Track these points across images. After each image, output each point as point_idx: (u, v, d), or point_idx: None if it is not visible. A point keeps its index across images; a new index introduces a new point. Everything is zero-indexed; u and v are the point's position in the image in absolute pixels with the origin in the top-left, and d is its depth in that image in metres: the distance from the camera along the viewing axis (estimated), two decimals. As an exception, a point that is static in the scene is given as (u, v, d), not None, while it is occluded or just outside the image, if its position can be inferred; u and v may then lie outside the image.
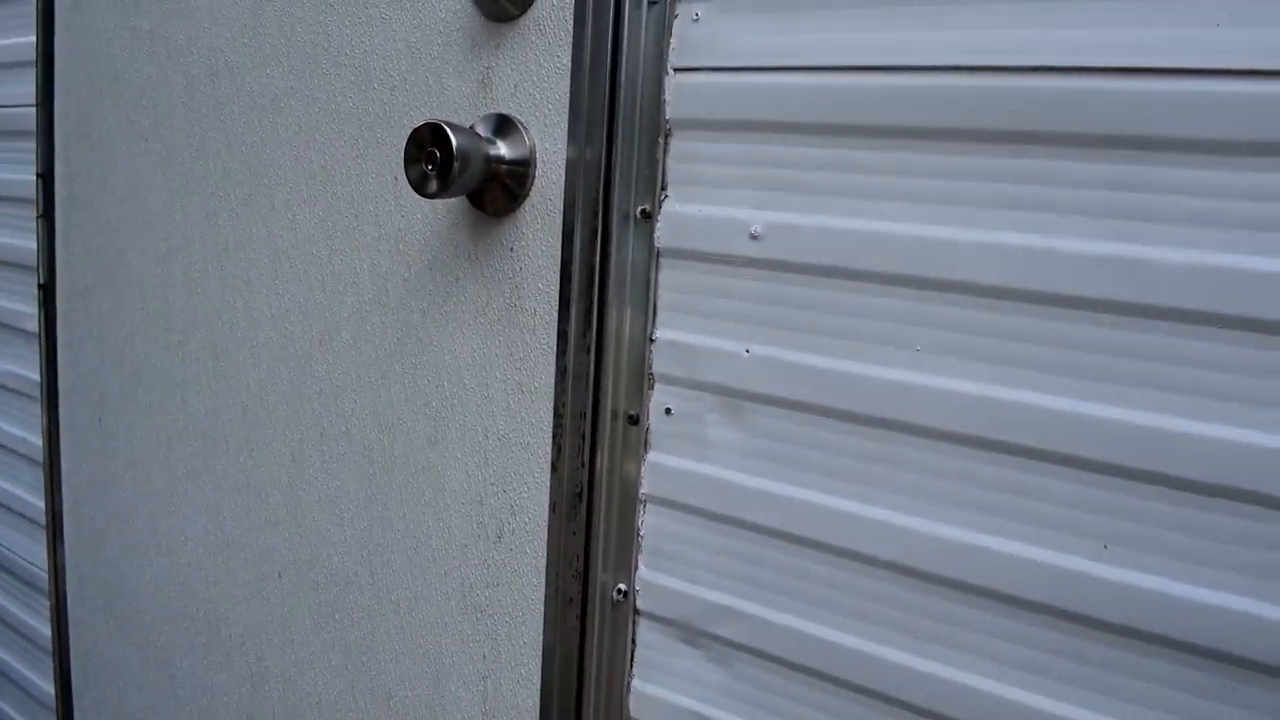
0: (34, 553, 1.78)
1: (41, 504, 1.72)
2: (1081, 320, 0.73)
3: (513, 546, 1.01)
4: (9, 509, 1.84)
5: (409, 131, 0.92)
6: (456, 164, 0.89)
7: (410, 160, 0.91)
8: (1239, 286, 0.67)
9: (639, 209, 0.91)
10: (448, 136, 0.89)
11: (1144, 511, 0.72)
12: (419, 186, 0.91)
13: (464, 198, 0.99)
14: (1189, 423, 0.70)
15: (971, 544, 0.79)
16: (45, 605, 1.76)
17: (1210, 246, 0.68)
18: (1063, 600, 0.76)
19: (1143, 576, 0.73)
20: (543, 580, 1.00)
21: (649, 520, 0.95)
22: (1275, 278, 0.66)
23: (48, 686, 1.80)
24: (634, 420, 0.94)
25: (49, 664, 1.78)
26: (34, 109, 1.57)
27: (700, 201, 0.89)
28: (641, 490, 0.95)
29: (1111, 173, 0.71)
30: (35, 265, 1.62)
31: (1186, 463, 0.70)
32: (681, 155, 0.90)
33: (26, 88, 1.59)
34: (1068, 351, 0.74)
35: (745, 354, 0.87)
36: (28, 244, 1.64)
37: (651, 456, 0.94)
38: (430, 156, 0.90)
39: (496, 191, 0.97)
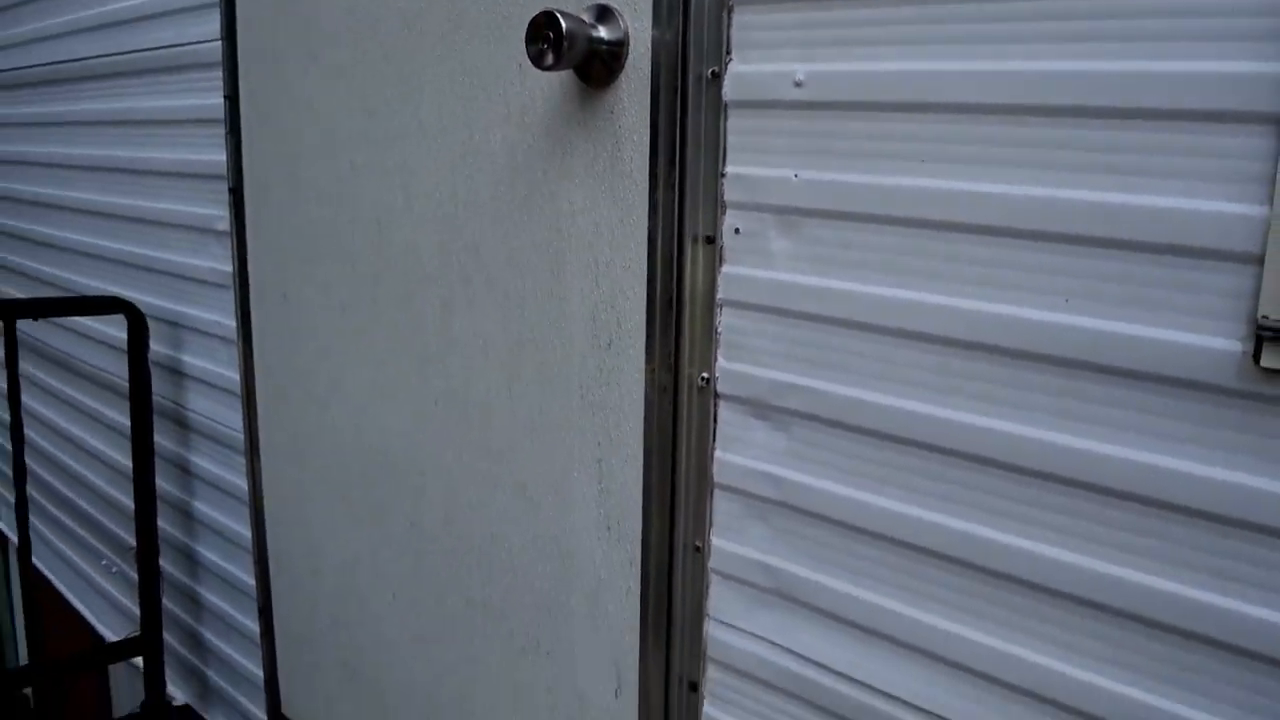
0: (231, 419, 2.14)
1: (236, 376, 2.07)
2: (1048, 125, 0.94)
3: (619, 351, 1.28)
4: (209, 384, 2.20)
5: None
6: (566, 42, 1.15)
7: (530, 41, 1.17)
8: (1158, 86, 0.88)
9: (709, 71, 1.16)
10: (559, 20, 1.15)
11: (1100, 270, 0.94)
12: (537, 61, 1.17)
13: (572, 73, 1.25)
14: (1130, 196, 0.91)
15: (973, 309, 1.01)
16: (242, 462, 2.12)
17: (1136, 56, 0.89)
18: (1037, 345, 0.98)
19: (1098, 322, 0.95)
20: (642, 376, 1.26)
21: (725, 320, 1.20)
22: (1183, 76, 0.87)
23: (245, 531, 2.17)
24: (711, 240, 1.19)
25: (245, 511, 2.15)
26: (219, 42, 1.90)
27: (757, 61, 1.13)
28: (718, 296, 1.20)
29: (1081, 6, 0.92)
30: (225, 174, 1.96)
31: (1132, 228, 0.92)
32: (742, 26, 1.14)
33: (213, 25, 1.92)
34: (1036, 150, 0.95)
35: (794, 178, 1.11)
36: (218, 157, 1.98)
37: (725, 269, 1.19)
38: (546, 37, 1.16)
39: (598, 66, 1.22)
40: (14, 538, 3.63)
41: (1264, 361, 0.86)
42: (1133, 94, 0.90)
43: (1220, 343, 0.89)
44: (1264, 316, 0.85)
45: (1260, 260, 0.85)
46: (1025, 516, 1.03)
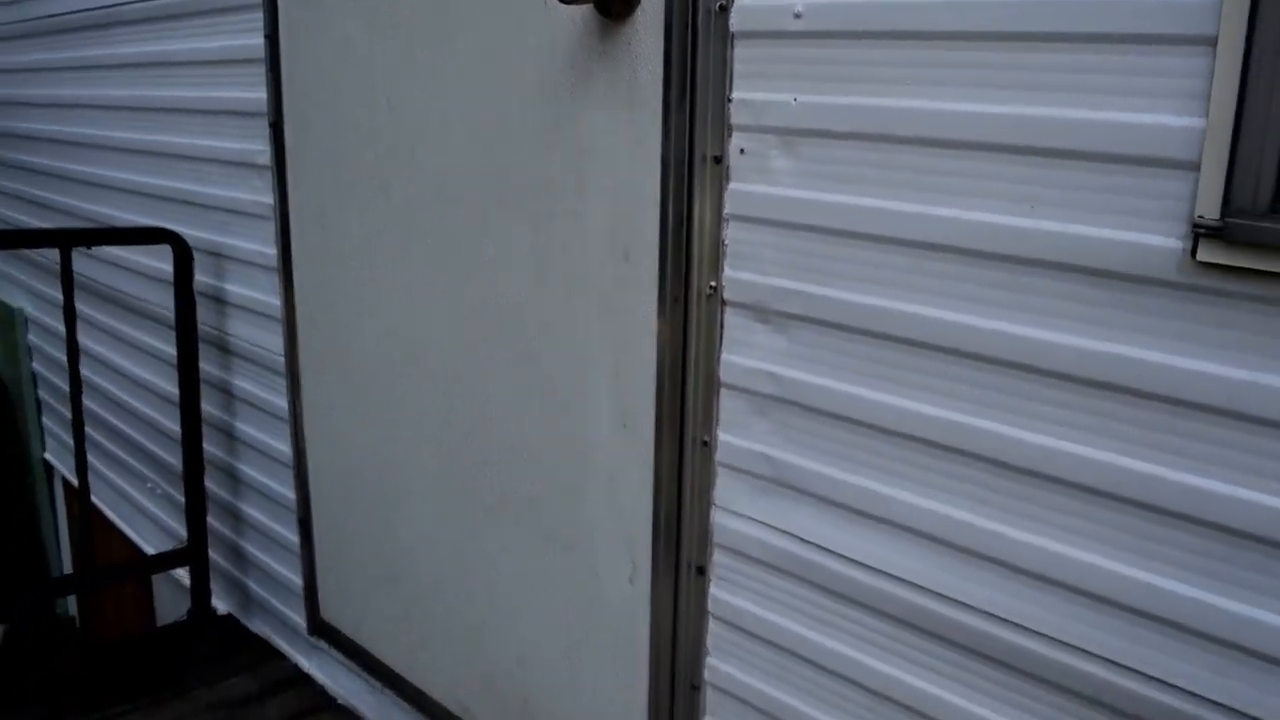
0: (272, 342, 2.28)
1: (277, 302, 2.21)
2: (1019, 49, 1.06)
3: (635, 262, 1.41)
4: (251, 310, 2.35)
5: (555, -42, 1.30)
6: (588, -23, 1.27)
7: (556, -23, 1.29)
8: (1112, 11, 1.00)
9: (718, 4, 1.27)
10: (582, -43, 1.27)
11: (1059, 179, 1.06)
12: (562, -5, 1.29)
13: (593, 7, 1.37)
14: (1088, 112, 1.03)
15: (952, 217, 1.14)
16: (282, 383, 2.27)
17: (1095, -15, 1.00)
18: (1005, 248, 1.11)
19: (1058, 225, 1.07)
20: (655, 284, 1.39)
21: (731, 233, 1.33)
22: (1132, 3, 0.98)
23: (285, 448, 2.33)
24: (718, 160, 1.32)
25: (286, 429, 2.30)
26: (261, -17, 2.02)
27: (761, -5, 1.25)
28: (725, 211, 1.33)
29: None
30: (265, 110, 2.09)
31: (1089, 140, 1.04)
32: (748, -37, 1.26)
33: (254, -33, 2.04)
34: (1008, 72, 1.07)
35: (794, 102, 1.24)
36: (258, 94, 2.10)
37: (731, 186, 1.32)
38: (570, -26, 1.28)
39: (617, 0, 1.34)
40: (62, 468, 3.82)
41: (1200, 256, 0.98)
42: (1091, 19, 1.01)
43: (1164, 241, 1.01)
44: (1200, 217, 0.97)
45: (1198, 167, 0.97)
46: (1002, 404, 1.15)
